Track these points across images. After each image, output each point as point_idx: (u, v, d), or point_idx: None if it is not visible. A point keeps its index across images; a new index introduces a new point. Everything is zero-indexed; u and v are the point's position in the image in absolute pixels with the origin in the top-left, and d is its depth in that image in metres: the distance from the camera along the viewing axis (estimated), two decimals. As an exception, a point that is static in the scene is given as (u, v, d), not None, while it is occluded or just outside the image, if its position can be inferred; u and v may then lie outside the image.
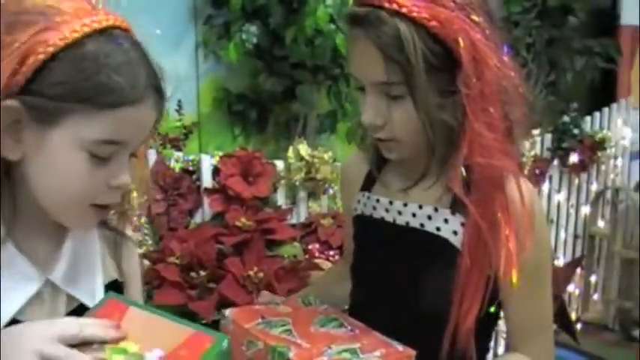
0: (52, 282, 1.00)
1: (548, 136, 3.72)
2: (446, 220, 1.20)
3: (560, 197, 3.88)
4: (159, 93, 0.97)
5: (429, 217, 1.21)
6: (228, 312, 1.21)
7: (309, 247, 2.45)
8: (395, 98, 1.12)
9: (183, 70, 2.66)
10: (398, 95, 1.11)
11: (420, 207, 1.23)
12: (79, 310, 1.01)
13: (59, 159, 0.92)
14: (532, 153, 3.51)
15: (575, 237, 4.08)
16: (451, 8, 1.08)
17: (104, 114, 0.90)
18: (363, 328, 1.18)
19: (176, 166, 2.36)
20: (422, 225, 1.22)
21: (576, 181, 3.98)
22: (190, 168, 2.38)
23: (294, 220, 2.61)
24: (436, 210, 1.21)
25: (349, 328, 1.18)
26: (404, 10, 1.07)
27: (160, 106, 0.98)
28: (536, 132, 3.61)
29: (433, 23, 1.07)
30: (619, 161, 4.24)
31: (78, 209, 0.96)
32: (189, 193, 2.36)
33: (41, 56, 0.88)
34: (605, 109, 4.05)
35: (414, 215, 1.23)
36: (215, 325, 2.10)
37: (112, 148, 0.93)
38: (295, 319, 1.19)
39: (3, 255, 0.95)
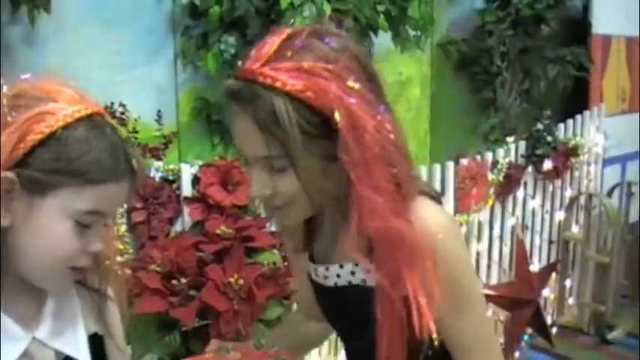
0: (39, 339, 1.08)
1: (523, 143, 3.77)
2: (368, 271, 1.20)
3: (534, 203, 3.94)
4: (133, 171, 1.09)
5: (352, 273, 1.23)
6: None
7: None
8: (279, 171, 1.12)
9: (163, 81, 2.69)
10: (281, 168, 1.11)
11: (341, 266, 1.25)
12: None
13: (47, 226, 1.02)
14: (507, 160, 3.56)
15: (550, 242, 4.14)
16: (326, 77, 1.07)
17: (92, 188, 1.02)
18: None
19: (156, 175, 2.38)
20: (349, 282, 1.24)
21: (550, 187, 4.04)
22: (170, 177, 2.41)
23: (272, 228, 2.64)
24: (356, 265, 1.22)
25: None
26: (278, 83, 1.07)
27: (133, 182, 1.09)
28: (510, 139, 3.67)
29: (308, 94, 1.07)
30: (592, 167, 4.30)
31: (58, 272, 1.06)
32: (169, 202, 2.38)
33: (39, 136, 0.99)
34: (578, 117, 4.11)
35: (338, 276, 1.26)
36: (196, 331, 2.13)
37: (94, 218, 1.05)
38: None
39: None
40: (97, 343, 1.16)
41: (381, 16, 2.86)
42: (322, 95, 1.07)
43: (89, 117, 1.05)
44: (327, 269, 1.27)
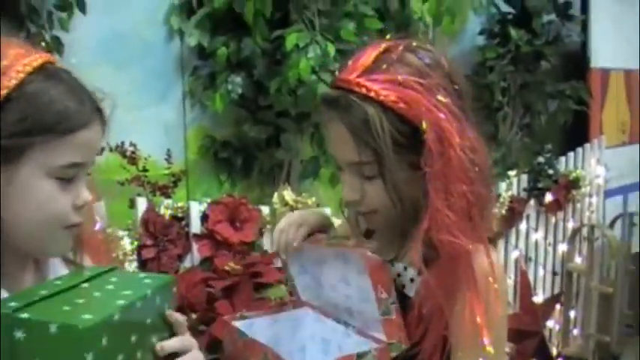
0: None
1: (524, 177, 3.79)
2: (412, 280, 1.25)
3: (537, 236, 3.96)
4: (101, 113, 1.04)
5: (399, 275, 1.27)
6: None
7: (295, 289, 2.52)
8: (369, 178, 1.19)
9: (171, 120, 2.75)
10: (371, 175, 1.18)
11: (405, 268, 1.27)
12: None
13: (31, 191, 0.98)
14: (509, 193, 3.60)
15: (554, 274, 4.14)
16: (418, 90, 1.14)
17: (64, 140, 0.98)
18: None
19: (166, 213, 2.43)
20: (403, 286, 1.27)
21: (553, 219, 4.06)
22: (179, 214, 2.46)
23: (279, 264, 2.68)
24: (405, 269, 1.26)
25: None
26: (372, 94, 1.14)
27: (104, 125, 1.05)
28: (512, 173, 3.71)
29: (400, 105, 1.14)
30: (594, 199, 4.33)
31: (53, 234, 1.03)
32: (178, 239, 2.42)
33: None
34: (579, 150, 4.15)
35: (398, 275, 1.28)
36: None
37: (75, 170, 1.01)
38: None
39: None
40: None
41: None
42: (414, 107, 1.13)
43: (41, 67, 1.00)
44: (391, 264, 1.28)
